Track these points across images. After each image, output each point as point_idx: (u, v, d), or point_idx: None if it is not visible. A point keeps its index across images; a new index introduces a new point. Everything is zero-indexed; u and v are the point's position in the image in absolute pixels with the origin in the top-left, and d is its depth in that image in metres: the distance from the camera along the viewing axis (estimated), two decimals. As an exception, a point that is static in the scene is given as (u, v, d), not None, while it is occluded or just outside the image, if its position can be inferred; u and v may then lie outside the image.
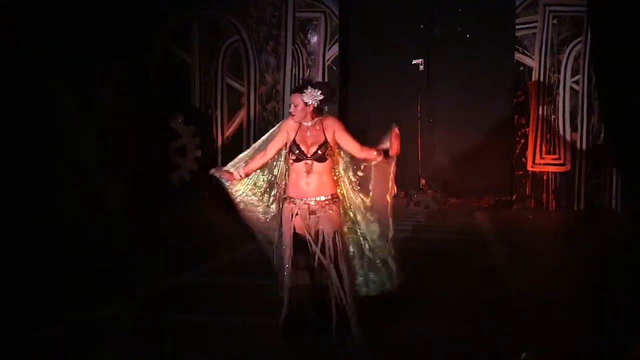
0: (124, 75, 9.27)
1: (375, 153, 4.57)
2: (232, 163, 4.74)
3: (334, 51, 10.20)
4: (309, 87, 4.46)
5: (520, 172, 9.90)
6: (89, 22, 8.47)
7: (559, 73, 9.77)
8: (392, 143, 4.57)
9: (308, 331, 4.46)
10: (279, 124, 4.68)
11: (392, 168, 4.65)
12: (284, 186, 4.67)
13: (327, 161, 4.47)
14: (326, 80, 10.08)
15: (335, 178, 4.62)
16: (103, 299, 5.37)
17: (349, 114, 10.67)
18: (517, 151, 9.89)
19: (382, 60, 10.47)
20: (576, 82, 9.74)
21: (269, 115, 10.25)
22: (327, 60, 10.19)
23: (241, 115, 10.38)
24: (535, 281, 6.06)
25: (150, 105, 10.10)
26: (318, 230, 4.43)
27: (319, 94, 4.44)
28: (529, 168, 9.88)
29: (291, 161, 4.48)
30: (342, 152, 4.66)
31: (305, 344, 4.43)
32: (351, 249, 4.70)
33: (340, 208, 4.59)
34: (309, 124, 4.49)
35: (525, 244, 7.82)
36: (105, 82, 8.80)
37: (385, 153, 4.59)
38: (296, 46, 10.18)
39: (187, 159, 10.39)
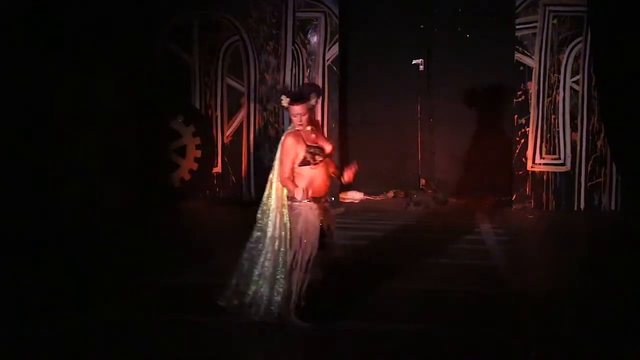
0: (124, 75, 9.27)
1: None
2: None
3: (334, 51, 10.18)
4: (312, 93, 4.65)
5: (520, 172, 9.88)
6: (89, 22, 8.48)
7: (559, 73, 9.76)
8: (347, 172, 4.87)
9: (320, 318, 4.68)
10: (281, 144, 4.74)
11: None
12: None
13: None
14: (326, 80, 10.11)
15: None
16: (103, 299, 5.37)
17: (349, 114, 10.69)
18: (517, 151, 9.87)
19: (382, 60, 10.47)
20: (576, 82, 9.72)
21: (269, 115, 10.24)
22: (327, 60, 10.17)
23: (241, 115, 10.36)
24: (535, 281, 6.06)
25: (150, 105, 10.10)
26: (329, 224, 4.75)
27: (314, 95, 4.67)
28: (529, 168, 9.86)
29: (315, 164, 4.61)
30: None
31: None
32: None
33: None
34: (308, 128, 4.69)
35: (525, 244, 7.83)
36: (106, 82, 8.81)
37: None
38: (296, 46, 10.17)
39: (187, 159, 10.38)
